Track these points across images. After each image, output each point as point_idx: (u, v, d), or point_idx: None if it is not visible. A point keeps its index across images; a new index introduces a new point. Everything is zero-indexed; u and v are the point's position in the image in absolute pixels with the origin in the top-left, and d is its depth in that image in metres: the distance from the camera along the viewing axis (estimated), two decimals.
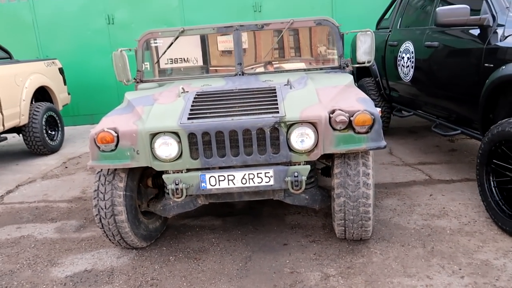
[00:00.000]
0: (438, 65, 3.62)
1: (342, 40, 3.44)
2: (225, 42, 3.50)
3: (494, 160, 2.78)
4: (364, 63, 3.43)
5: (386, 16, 5.28)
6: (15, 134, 5.75)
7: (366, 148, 2.37)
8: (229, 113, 2.45)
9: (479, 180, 2.91)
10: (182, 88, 2.80)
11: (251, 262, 2.60)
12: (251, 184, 2.43)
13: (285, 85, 2.77)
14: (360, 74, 5.74)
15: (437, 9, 3.12)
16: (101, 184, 2.58)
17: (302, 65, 3.53)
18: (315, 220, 3.12)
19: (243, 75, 3.37)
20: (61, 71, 6.22)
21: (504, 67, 2.67)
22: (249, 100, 2.59)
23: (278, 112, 2.39)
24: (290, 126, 2.36)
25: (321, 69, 3.45)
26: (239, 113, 2.44)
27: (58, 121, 5.90)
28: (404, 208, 3.24)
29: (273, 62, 3.60)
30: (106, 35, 7.36)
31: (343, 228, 2.57)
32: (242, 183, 2.43)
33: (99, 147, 2.43)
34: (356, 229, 2.55)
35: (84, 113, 7.67)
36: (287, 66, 3.58)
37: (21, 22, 7.29)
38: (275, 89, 2.70)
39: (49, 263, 2.76)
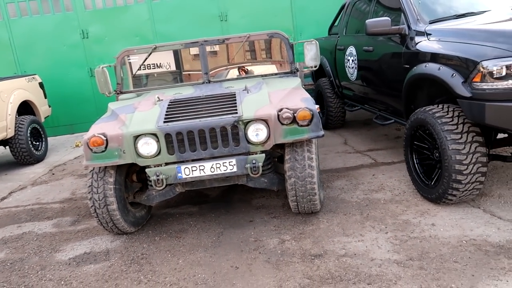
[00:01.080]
0: (373, 66, 4.30)
1: (292, 49, 4.07)
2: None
3: (415, 142, 3.46)
4: (312, 67, 4.06)
5: (336, 24, 5.96)
6: None
7: (308, 137, 2.98)
8: (198, 116, 3.02)
9: (406, 159, 3.59)
10: (158, 97, 3.36)
11: (223, 236, 3.18)
12: (219, 172, 3.00)
13: (243, 90, 3.37)
14: (318, 75, 6.40)
15: (366, 21, 3.78)
16: (94, 180, 3.11)
17: (261, 70, 4.15)
18: (276, 201, 3.73)
19: (209, 83, 3.94)
20: (41, 85, 6.64)
21: (415, 67, 3.34)
22: (213, 104, 3.17)
23: (237, 112, 2.98)
24: (247, 123, 2.95)
25: (275, 74, 4.07)
26: (205, 115, 3.02)
27: (42, 132, 6.33)
28: (350, 186, 3.89)
29: (238, 66, 4.21)
30: (82, 49, 7.79)
31: (296, 203, 3.18)
32: (211, 172, 3.00)
33: (91, 149, 2.96)
34: (306, 203, 3.16)
35: (64, 124, 8.06)
36: (251, 69, 4.20)
37: None
38: (235, 94, 3.28)
39: (53, 250, 3.27)
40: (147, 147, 2.95)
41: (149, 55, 3.95)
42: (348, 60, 4.97)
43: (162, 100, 3.35)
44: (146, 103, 3.39)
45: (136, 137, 2.94)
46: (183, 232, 3.32)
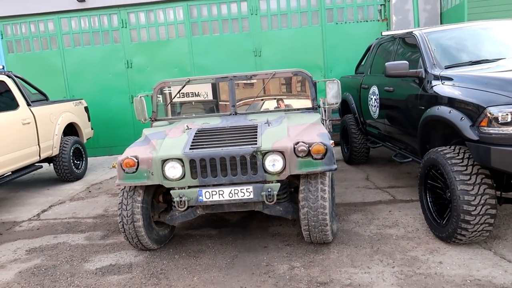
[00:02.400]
0: (393, 105, 4.47)
1: (314, 87, 4.34)
2: None
3: (428, 181, 3.56)
4: (333, 104, 4.30)
5: (363, 63, 6.21)
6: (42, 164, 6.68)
7: (321, 170, 3.18)
8: (220, 145, 3.30)
9: (420, 197, 3.68)
10: (187, 126, 3.69)
11: (237, 258, 3.37)
12: (236, 197, 3.24)
13: (265, 123, 3.64)
14: (344, 111, 6.60)
15: (385, 63, 4.00)
16: (124, 198, 3.43)
17: (285, 105, 4.43)
18: (292, 230, 3.89)
19: (235, 114, 4.25)
20: (86, 109, 7.24)
21: (429, 109, 3.50)
22: (236, 135, 3.45)
23: (256, 143, 3.24)
24: (265, 154, 3.20)
25: (298, 109, 4.33)
26: (227, 144, 3.30)
27: (83, 153, 6.85)
28: (365, 221, 4.00)
29: (263, 100, 4.50)
30: (125, 77, 8.43)
31: (308, 232, 3.34)
32: (229, 197, 3.24)
33: (124, 170, 3.29)
34: (318, 233, 3.31)
35: (103, 146, 8.62)
36: (274, 105, 4.47)
37: (52, 67, 8.44)
38: (256, 126, 3.56)
39: (82, 260, 3.57)
40: (173, 170, 3.24)
41: (182, 87, 4.34)
42: (371, 98, 5.16)
43: (190, 128, 3.67)
44: (176, 130, 3.72)
45: (164, 161, 3.25)
46: (200, 252, 3.54)
